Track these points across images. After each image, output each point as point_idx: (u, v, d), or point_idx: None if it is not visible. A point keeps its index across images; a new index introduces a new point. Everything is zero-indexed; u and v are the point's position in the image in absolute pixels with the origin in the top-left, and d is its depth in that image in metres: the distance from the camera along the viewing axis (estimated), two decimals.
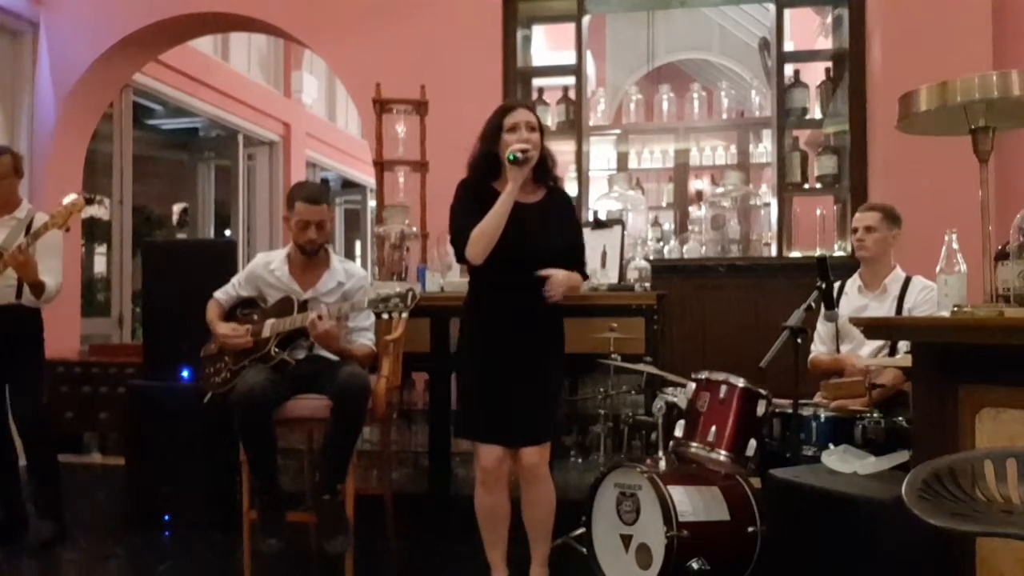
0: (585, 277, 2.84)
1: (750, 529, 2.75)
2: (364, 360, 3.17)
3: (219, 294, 3.28)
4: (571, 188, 5.03)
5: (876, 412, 2.77)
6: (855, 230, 3.29)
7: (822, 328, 3.33)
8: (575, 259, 2.78)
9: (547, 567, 2.80)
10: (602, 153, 6.30)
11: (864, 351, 3.18)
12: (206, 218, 8.09)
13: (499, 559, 2.80)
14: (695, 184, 6.66)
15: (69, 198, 3.38)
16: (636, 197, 4.96)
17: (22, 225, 3.45)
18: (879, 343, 3.10)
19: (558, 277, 2.64)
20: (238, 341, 3.08)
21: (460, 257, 2.74)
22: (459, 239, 2.69)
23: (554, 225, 2.73)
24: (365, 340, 3.21)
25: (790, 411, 2.80)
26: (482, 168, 2.75)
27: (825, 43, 5.42)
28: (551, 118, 5.02)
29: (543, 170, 2.77)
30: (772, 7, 4.82)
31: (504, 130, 2.70)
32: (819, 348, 3.37)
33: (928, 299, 3.03)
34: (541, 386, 2.71)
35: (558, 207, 2.79)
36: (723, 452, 2.75)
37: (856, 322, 2.45)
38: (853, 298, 3.30)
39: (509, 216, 2.64)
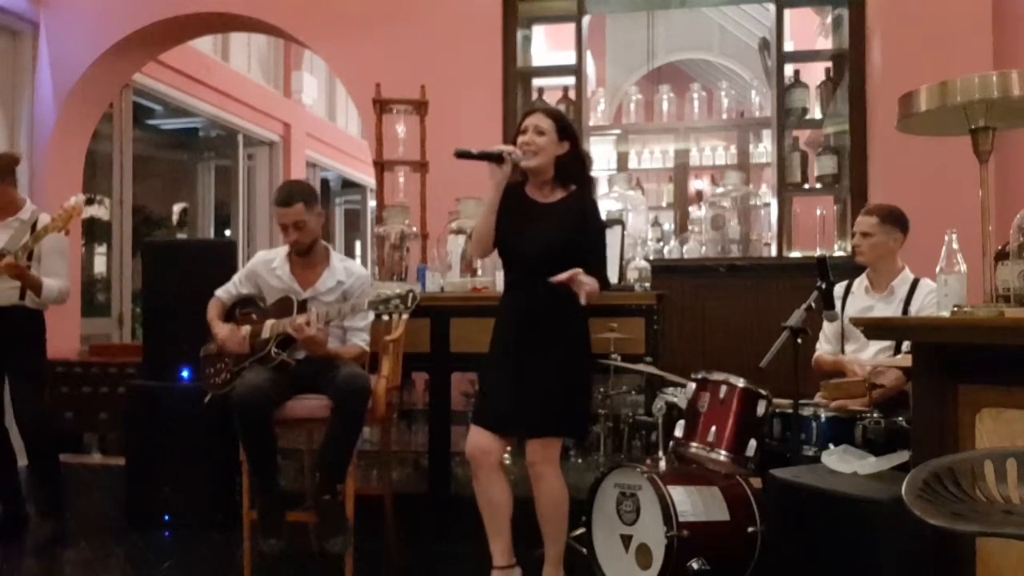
0: (605, 286, 2.74)
1: (750, 529, 2.75)
2: (355, 360, 3.17)
3: (220, 292, 3.28)
4: None
5: (876, 412, 2.77)
6: (854, 234, 3.29)
7: (827, 327, 3.32)
8: (591, 264, 2.67)
9: (560, 567, 2.78)
10: (602, 153, 6.30)
11: (869, 351, 3.17)
12: (206, 218, 8.09)
13: (499, 549, 2.77)
14: (695, 184, 6.66)
15: (71, 201, 3.39)
16: (636, 197, 4.95)
17: (26, 227, 3.45)
18: (883, 343, 3.10)
19: (583, 279, 2.56)
20: (234, 347, 3.09)
21: None
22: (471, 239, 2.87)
23: (563, 227, 2.71)
24: (357, 340, 3.21)
25: (790, 411, 2.80)
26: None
27: (825, 43, 5.41)
28: None
29: (566, 174, 2.78)
30: (772, 7, 4.81)
31: (519, 132, 2.77)
32: (824, 347, 3.37)
33: (934, 302, 3.01)
34: (543, 380, 2.70)
35: (573, 210, 2.75)
36: (723, 452, 2.75)
37: (856, 322, 2.45)
38: (859, 298, 3.29)
39: (526, 215, 2.74)
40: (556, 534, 2.77)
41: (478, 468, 2.76)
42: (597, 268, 2.69)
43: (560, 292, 2.62)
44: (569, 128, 2.79)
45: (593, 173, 5.53)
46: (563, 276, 2.56)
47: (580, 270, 2.57)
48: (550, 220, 2.72)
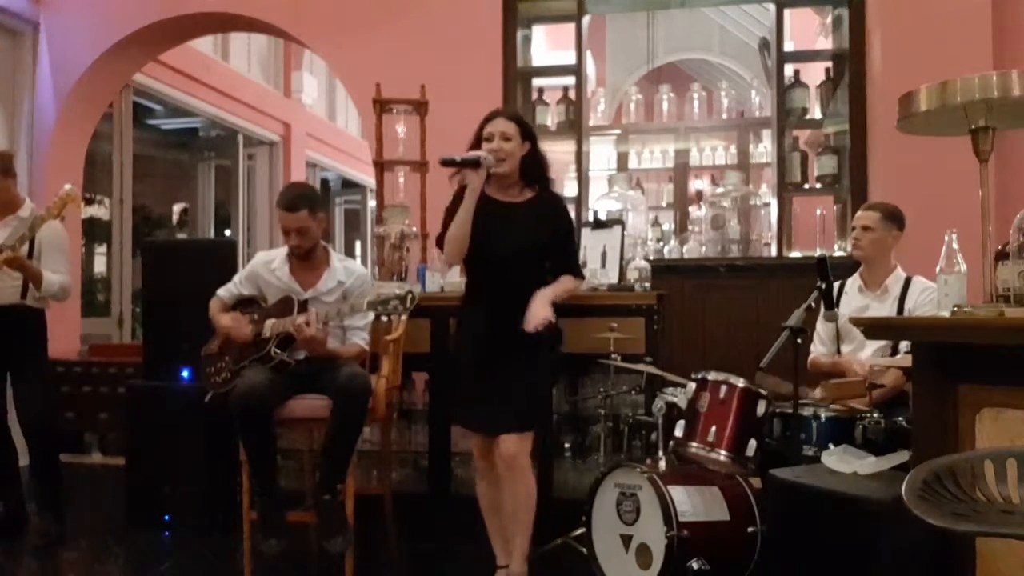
0: (580, 277, 2.91)
1: (750, 529, 2.75)
2: (354, 360, 3.17)
3: (222, 291, 3.29)
4: (571, 188, 5.02)
5: (876, 412, 2.77)
6: (854, 228, 3.30)
7: (822, 328, 3.32)
8: (564, 261, 2.85)
9: (526, 563, 2.78)
10: (602, 153, 6.30)
11: (866, 351, 3.18)
12: (206, 218, 8.09)
13: (502, 548, 2.84)
14: (695, 184, 6.65)
15: (65, 188, 3.39)
16: (636, 197, 4.96)
17: (25, 224, 3.45)
18: (880, 343, 3.10)
19: (534, 309, 2.70)
20: (240, 332, 3.09)
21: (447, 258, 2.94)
22: (440, 242, 2.90)
23: (537, 224, 2.79)
24: (357, 339, 3.21)
25: (790, 411, 2.80)
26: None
27: (825, 43, 5.42)
28: (551, 118, 5.01)
29: (531, 173, 2.84)
30: (772, 7, 4.81)
31: (483, 139, 2.79)
32: (819, 348, 3.36)
33: (929, 300, 3.03)
34: (516, 379, 2.74)
35: (545, 207, 2.84)
36: (723, 452, 2.75)
37: (856, 322, 2.45)
38: (854, 298, 3.30)
39: (495, 216, 2.78)
40: (524, 529, 2.77)
41: (483, 471, 2.83)
42: (568, 264, 2.86)
43: (527, 292, 2.74)
44: (530, 129, 2.87)
45: (593, 173, 5.60)
46: (530, 327, 2.68)
47: (540, 315, 2.68)
48: (522, 221, 2.78)
